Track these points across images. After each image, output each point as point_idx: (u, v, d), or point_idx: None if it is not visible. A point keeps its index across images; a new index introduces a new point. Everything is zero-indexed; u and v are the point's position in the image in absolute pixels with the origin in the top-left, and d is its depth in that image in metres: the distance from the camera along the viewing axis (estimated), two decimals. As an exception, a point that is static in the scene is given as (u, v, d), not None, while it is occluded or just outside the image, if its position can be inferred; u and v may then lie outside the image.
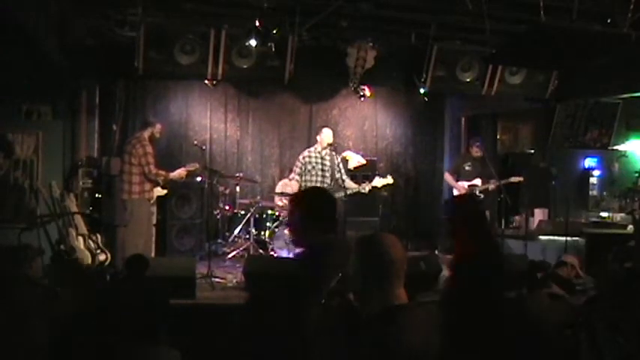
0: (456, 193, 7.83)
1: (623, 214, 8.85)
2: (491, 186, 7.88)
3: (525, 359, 3.98)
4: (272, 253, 7.44)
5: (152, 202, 6.85)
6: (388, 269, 2.23)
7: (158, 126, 6.76)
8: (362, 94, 8.00)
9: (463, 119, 9.92)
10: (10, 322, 3.03)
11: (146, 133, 6.63)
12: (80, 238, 6.44)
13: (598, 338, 3.72)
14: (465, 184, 7.75)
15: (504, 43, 6.52)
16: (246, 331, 1.76)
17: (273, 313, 1.75)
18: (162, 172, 6.63)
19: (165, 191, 7.06)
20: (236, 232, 7.96)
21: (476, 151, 7.90)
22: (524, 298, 4.35)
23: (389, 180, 7.12)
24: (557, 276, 4.95)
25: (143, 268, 4.22)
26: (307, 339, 1.75)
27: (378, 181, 7.01)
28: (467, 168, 7.92)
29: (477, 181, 7.81)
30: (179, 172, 6.76)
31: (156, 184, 6.66)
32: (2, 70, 6.48)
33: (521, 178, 7.80)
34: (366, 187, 6.87)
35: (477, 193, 7.70)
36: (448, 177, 8.21)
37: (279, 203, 7.95)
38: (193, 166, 6.86)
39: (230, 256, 7.64)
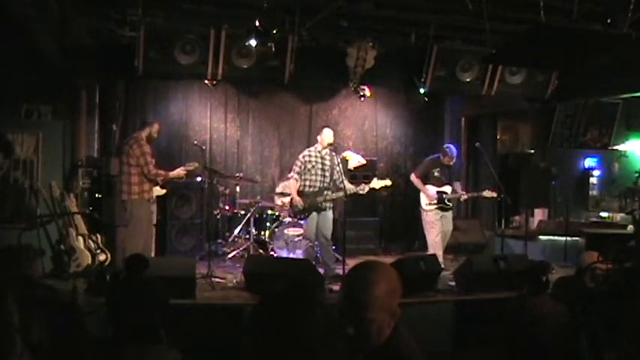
0: (422, 197, 7.49)
1: (623, 214, 8.86)
2: (464, 196, 7.73)
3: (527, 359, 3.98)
4: (272, 253, 7.44)
5: (152, 201, 6.82)
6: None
7: (156, 126, 6.69)
8: (362, 94, 7.99)
9: (463, 119, 9.94)
10: (9, 322, 3.02)
11: (144, 133, 6.56)
12: (80, 238, 6.45)
13: (598, 338, 3.72)
14: (434, 189, 7.53)
15: (504, 43, 6.52)
16: (257, 332, 1.73)
17: (283, 314, 1.72)
18: (162, 172, 6.59)
19: (164, 191, 7.04)
20: (236, 232, 7.96)
21: (448, 160, 7.51)
22: (526, 299, 4.34)
23: (387, 182, 7.05)
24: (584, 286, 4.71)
25: (143, 268, 4.21)
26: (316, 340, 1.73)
27: (376, 183, 6.95)
28: (436, 174, 7.53)
29: (447, 188, 7.51)
30: (178, 172, 6.72)
31: (155, 183, 6.62)
32: (2, 70, 6.48)
33: (494, 194, 7.48)
34: (364, 189, 6.82)
35: (446, 201, 7.47)
36: (416, 180, 7.55)
37: (279, 203, 7.95)
38: (193, 165, 6.83)
39: (230, 256, 7.65)
